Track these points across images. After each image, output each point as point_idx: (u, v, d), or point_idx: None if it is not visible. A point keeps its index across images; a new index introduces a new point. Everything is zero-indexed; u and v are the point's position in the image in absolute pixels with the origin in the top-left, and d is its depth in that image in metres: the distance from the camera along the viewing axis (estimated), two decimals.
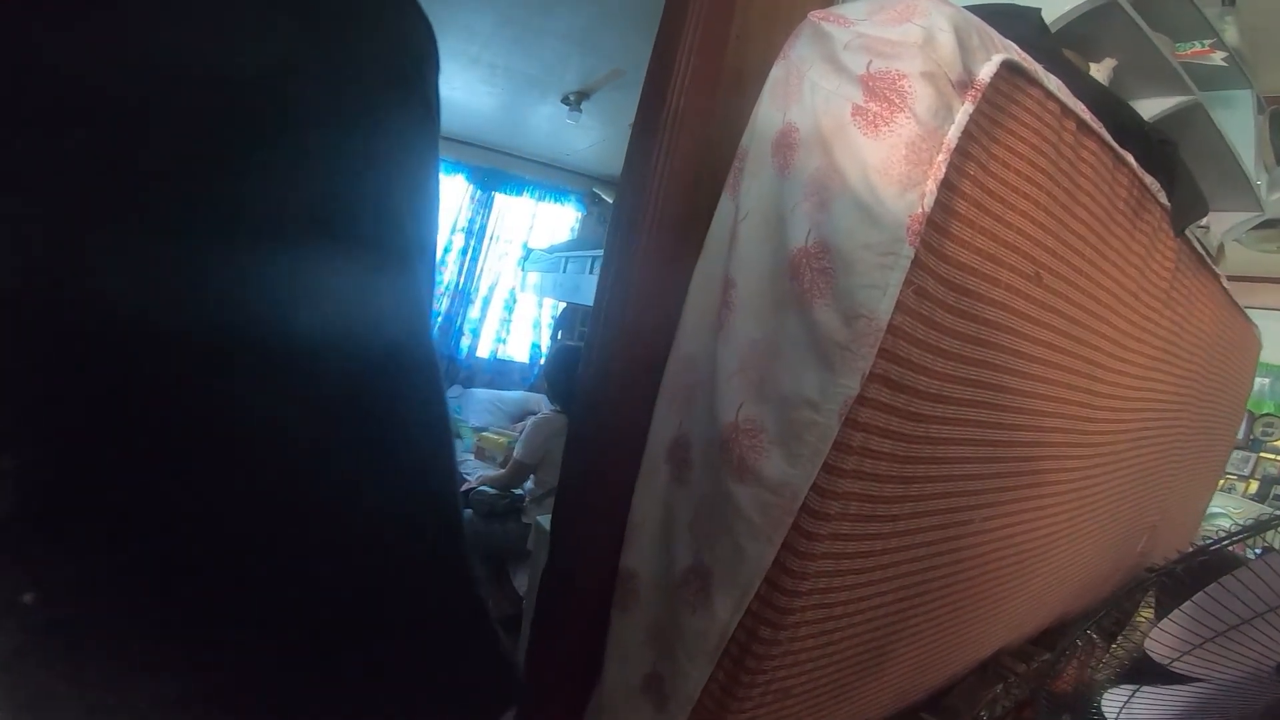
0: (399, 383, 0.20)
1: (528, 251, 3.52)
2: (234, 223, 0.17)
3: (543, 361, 3.27)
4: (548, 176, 3.59)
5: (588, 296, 2.77)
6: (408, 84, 0.22)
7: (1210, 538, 0.60)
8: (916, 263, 0.45)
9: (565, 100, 2.76)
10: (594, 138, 3.21)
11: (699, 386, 0.58)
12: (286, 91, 0.18)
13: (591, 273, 2.72)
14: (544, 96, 2.76)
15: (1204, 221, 1.01)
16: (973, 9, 0.53)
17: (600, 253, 2.87)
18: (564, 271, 3.00)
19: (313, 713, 0.16)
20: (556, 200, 3.67)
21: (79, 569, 0.13)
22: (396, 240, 0.21)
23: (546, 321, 3.61)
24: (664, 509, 0.62)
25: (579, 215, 3.73)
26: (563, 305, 3.51)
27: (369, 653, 0.17)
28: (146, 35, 0.16)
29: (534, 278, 3.32)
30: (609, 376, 0.63)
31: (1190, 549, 0.57)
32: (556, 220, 3.70)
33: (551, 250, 3.39)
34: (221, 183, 0.17)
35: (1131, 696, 0.67)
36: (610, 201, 3.86)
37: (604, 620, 0.68)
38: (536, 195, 3.58)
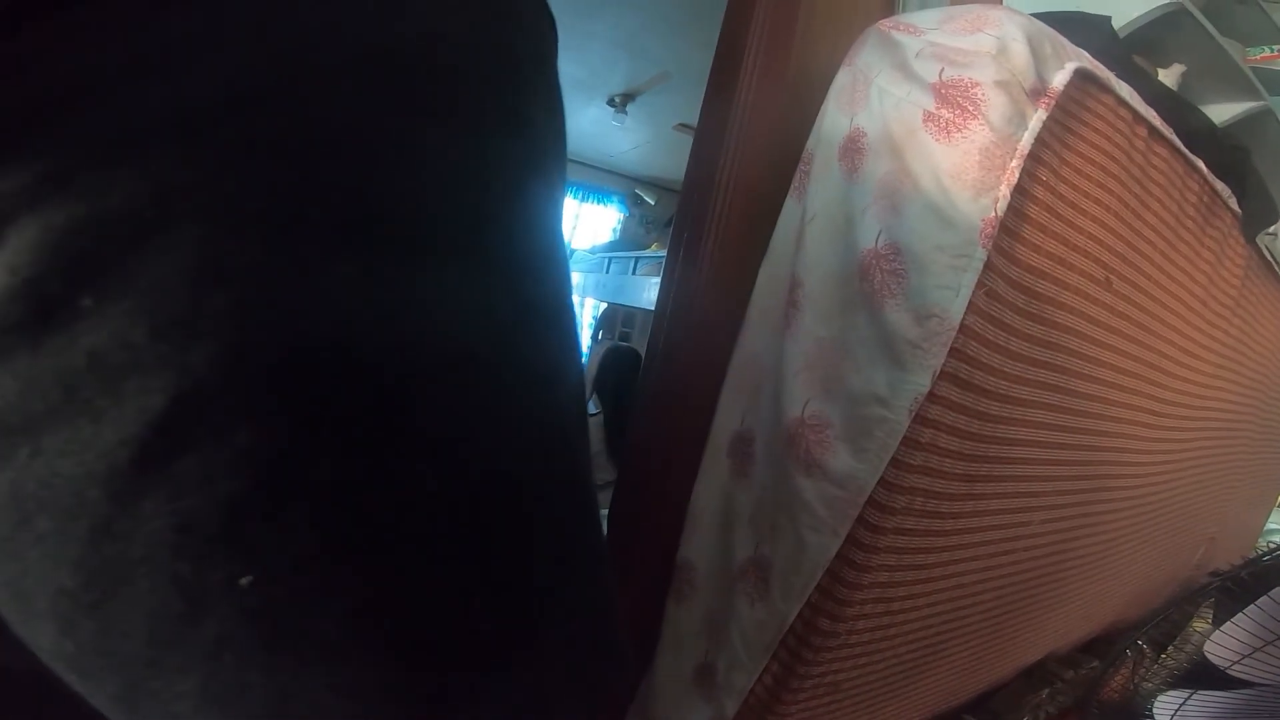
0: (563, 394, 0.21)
1: (570, 252, 3.58)
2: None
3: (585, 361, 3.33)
4: (591, 178, 3.64)
5: (630, 296, 2.81)
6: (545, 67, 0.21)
7: (1268, 551, 0.60)
8: (988, 265, 0.46)
9: (611, 102, 2.80)
10: (637, 139, 3.24)
11: (764, 383, 0.59)
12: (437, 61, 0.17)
13: (634, 273, 2.75)
14: (590, 99, 2.80)
15: (1273, 229, 0.99)
16: (1043, 17, 0.54)
17: (642, 253, 2.90)
18: (606, 272, 3.04)
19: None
20: (599, 201, 3.72)
21: (298, 549, 0.14)
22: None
23: (587, 321, 3.67)
24: (724, 501, 0.63)
25: (621, 216, 3.77)
26: (603, 305, 3.56)
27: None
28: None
29: (576, 278, 3.38)
30: (674, 373, 0.65)
31: (1254, 554, 0.56)
32: (599, 221, 3.75)
33: (594, 250, 3.44)
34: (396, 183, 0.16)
35: (1185, 701, 0.66)
36: (651, 203, 3.89)
37: (658, 611, 0.69)
38: (579, 196, 3.64)
